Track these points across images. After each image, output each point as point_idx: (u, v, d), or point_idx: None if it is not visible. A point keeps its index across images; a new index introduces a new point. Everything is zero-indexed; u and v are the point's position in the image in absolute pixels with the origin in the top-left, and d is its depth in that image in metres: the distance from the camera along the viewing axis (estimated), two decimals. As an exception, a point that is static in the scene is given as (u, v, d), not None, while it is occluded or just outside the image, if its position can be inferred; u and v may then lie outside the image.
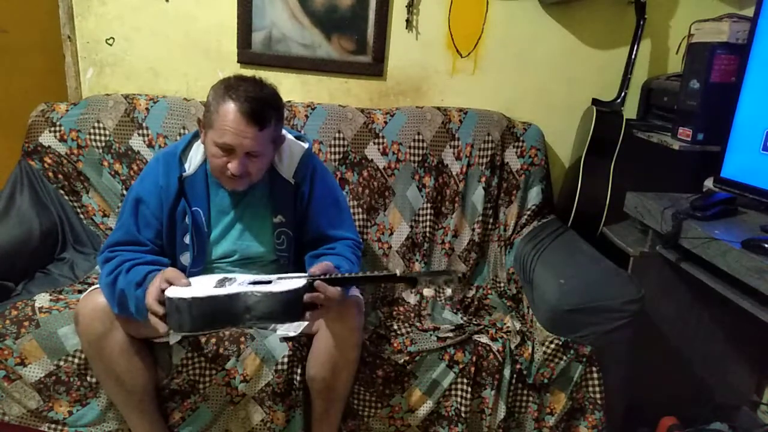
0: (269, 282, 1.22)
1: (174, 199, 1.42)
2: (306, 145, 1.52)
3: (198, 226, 1.45)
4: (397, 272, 1.20)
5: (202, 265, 1.48)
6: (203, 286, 1.22)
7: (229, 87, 1.33)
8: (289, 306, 1.20)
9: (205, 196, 1.46)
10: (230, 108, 1.30)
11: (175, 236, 1.45)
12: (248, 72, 1.59)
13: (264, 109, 1.33)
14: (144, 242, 1.42)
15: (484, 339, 1.60)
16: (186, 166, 1.45)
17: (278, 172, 1.47)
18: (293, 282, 1.21)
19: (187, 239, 1.44)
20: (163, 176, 1.43)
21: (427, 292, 1.22)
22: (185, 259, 1.46)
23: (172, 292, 1.18)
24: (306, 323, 1.48)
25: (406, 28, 2.10)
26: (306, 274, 1.25)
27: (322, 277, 1.23)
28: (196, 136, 1.50)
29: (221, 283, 1.24)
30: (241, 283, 1.23)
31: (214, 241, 1.49)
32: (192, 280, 1.25)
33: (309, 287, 1.22)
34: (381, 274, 1.25)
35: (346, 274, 1.27)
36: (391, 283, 1.21)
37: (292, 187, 1.48)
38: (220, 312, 1.18)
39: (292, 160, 1.49)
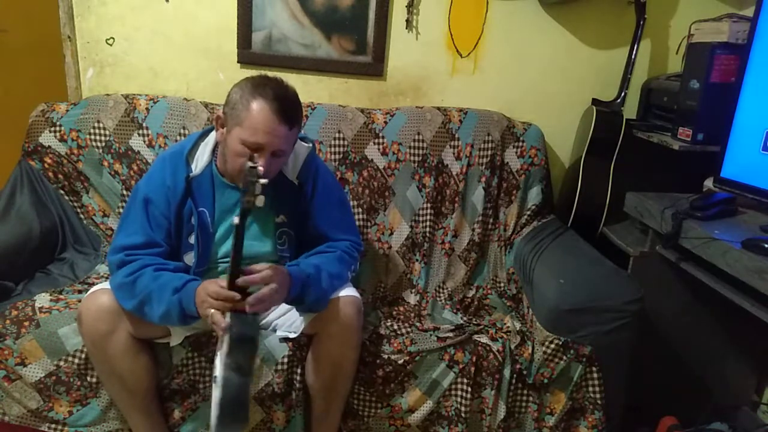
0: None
1: (181, 199, 1.42)
2: (309, 146, 1.53)
3: (204, 226, 1.45)
4: (235, 221, 1.17)
5: (205, 265, 1.48)
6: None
7: (257, 85, 1.33)
8: (244, 335, 1.21)
9: (210, 196, 1.46)
10: (262, 106, 1.30)
11: (180, 236, 1.45)
12: (248, 72, 1.58)
13: (293, 108, 1.34)
14: (160, 243, 1.42)
15: (484, 339, 1.60)
16: (192, 166, 1.45)
17: (282, 173, 1.47)
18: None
19: (191, 239, 1.44)
20: (170, 176, 1.43)
21: (259, 201, 1.17)
22: (189, 258, 1.46)
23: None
24: (305, 324, 1.48)
25: (406, 28, 2.09)
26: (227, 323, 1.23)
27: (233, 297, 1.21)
28: (201, 137, 1.50)
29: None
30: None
31: (218, 241, 1.49)
32: None
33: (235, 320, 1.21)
34: (235, 242, 1.19)
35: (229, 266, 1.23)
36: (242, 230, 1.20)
37: (296, 187, 1.49)
38: (236, 398, 1.21)
39: (297, 160, 1.50)
